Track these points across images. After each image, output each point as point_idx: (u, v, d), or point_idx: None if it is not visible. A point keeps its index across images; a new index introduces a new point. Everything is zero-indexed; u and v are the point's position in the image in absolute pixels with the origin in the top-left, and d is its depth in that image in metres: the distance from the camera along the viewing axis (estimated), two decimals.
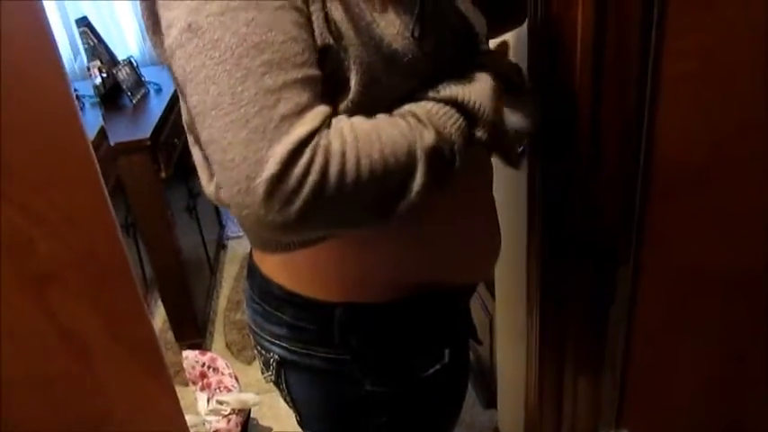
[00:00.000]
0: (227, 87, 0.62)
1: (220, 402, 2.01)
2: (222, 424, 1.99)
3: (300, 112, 0.63)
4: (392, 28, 0.70)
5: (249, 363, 2.47)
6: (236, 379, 2.17)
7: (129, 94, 2.61)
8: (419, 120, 0.71)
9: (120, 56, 2.83)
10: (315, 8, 0.66)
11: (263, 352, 0.96)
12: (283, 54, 0.62)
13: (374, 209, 0.69)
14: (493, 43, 1.00)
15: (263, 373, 1.00)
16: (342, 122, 0.66)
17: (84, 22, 2.72)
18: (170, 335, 2.54)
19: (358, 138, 0.65)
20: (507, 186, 1.21)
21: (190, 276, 2.50)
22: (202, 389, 2.13)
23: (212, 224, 3.18)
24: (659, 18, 0.88)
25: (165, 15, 0.66)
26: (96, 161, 0.65)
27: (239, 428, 2.03)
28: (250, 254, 0.96)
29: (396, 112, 0.73)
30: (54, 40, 0.61)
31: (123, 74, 2.66)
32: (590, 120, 0.95)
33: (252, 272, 0.95)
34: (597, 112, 0.94)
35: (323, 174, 0.62)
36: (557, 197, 1.06)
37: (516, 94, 0.81)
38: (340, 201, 0.64)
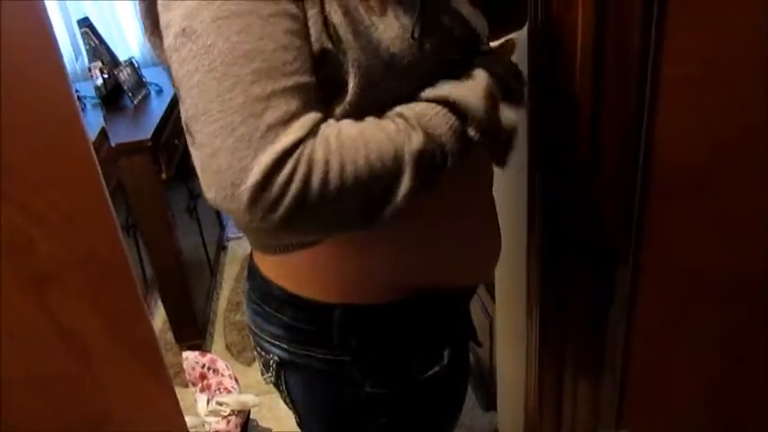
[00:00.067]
0: (216, 94, 0.62)
1: (220, 403, 2.01)
2: (222, 425, 1.99)
3: (288, 121, 0.63)
4: (390, 31, 0.70)
5: (249, 364, 2.47)
6: (236, 380, 2.17)
7: (130, 94, 2.61)
8: (408, 121, 0.71)
9: (122, 57, 2.84)
10: (312, 13, 0.66)
11: (263, 353, 0.96)
12: (273, 63, 0.63)
13: (359, 214, 0.69)
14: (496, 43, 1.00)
15: (262, 375, 1.00)
16: (329, 129, 0.66)
17: (85, 23, 2.72)
18: (170, 336, 2.54)
19: (343, 144, 0.65)
20: (507, 188, 1.21)
21: (190, 277, 2.50)
22: (202, 390, 2.13)
23: (213, 225, 3.18)
24: (659, 20, 0.88)
25: (164, 17, 0.66)
26: (97, 162, 0.65)
27: (239, 430, 2.03)
28: (250, 255, 0.96)
29: (387, 114, 0.72)
30: (55, 39, 0.61)
31: (124, 75, 2.66)
32: (590, 122, 0.95)
33: (252, 273, 0.95)
34: (597, 115, 0.94)
35: (305, 182, 0.63)
36: (557, 199, 1.06)
37: (511, 95, 0.81)
38: (323, 208, 0.65)
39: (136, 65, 2.80)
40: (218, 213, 3.34)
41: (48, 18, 0.61)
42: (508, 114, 0.79)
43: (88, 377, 0.74)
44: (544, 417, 1.31)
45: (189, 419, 0.86)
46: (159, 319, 2.69)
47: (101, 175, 0.65)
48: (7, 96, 0.59)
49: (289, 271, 0.88)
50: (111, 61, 2.72)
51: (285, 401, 1.01)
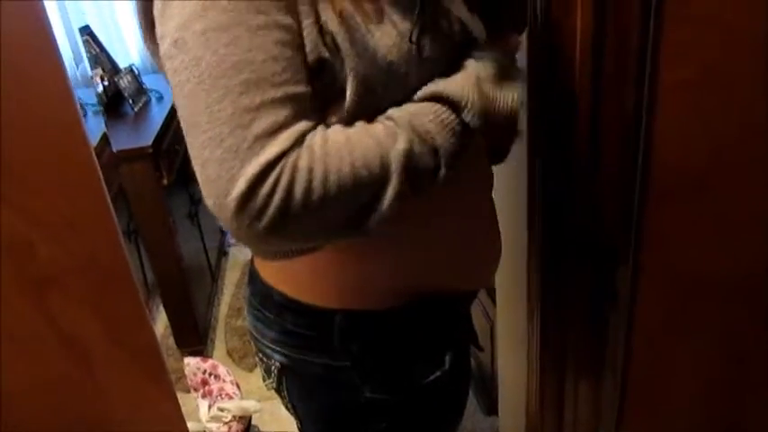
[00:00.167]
0: (206, 106, 0.63)
1: (221, 409, 2.02)
2: (223, 431, 1.99)
3: (275, 131, 0.64)
4: (388, 39, 0.70)
5: (250, 370, 2.47)
6: (238, 386, 2.18)
7: (130, 101, 2.62)
8: (396, 124, 0.70)
9: (122, 64, 2.84)
10: (308, 22, 0.67)
11: (265, 359, 0.96)
12: (262, 74, 0.63)
13: (346, 222, 0.69)
14: None
15: (264, 380, 1.00)
16: (316, 137, 0.66)
17: (86, 31, 2.73)
18: (171, 341, 2.54)
19: (328, 152, 0.65)
20: (507, 191, 1.21)
21: (191, 283, 2.50)
22: (204, 396, 2.13)
23: (214, 231, 3.18)
24: (656, 24, 0.88)
25: (159, 28, 0.67)
26: (98, 167, 0.65)
27: None
28: (251, 261, 0.96)
29: (378, 117, 0.72)
30: (57, 46, 0.62)
31: (125, 82, 2.67)
32: (589, 123, 0.95)
33: (253, 279, 0.95)
34: (596, 116, 0.94)
35: (288, 192, 0.63)
36: (556, 201, 1.06)
37: (507, 75, 0.79)
38: (309, 216, 0.66)
39: (136, 72, 2.80)
40: None
41: (48, 22, 0.61)
42: (506, 95, 0.77)
43: (89, 382, 0.74)
44: (545, 420, 1.31)
45: (191, 425, 0.86)
46: (161, 324, 2.69)
47: (102, 180, 0.65)
48: (8, 99, 0.59)
49: (289, 277, 0.88)
50: (111, 68, 2.72)
51: (286, 407, 1.01)
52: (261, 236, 0.65)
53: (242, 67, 0.63)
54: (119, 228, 0.69)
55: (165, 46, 0.66)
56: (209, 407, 2.06)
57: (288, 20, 0.65)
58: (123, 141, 2.27)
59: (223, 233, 3.39)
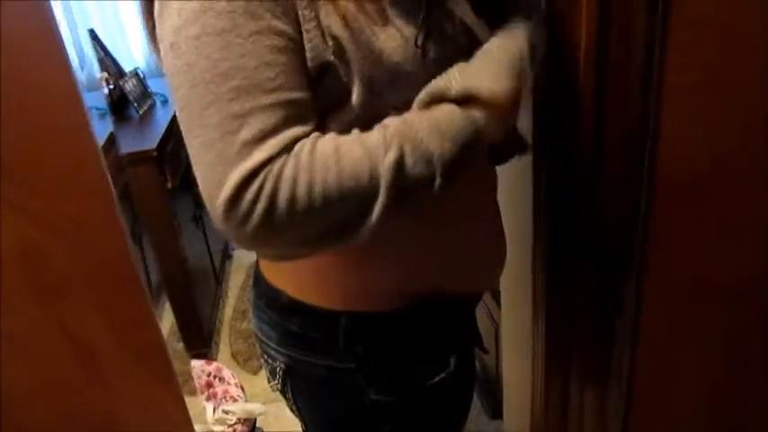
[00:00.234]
0: (197, 110, 0.64)
1: (226, 412, 2.02)
2: None
3: (263, 138, 0.64)
4: (393, 41, 0.70)
5: (255, 372, 2.47)
6: (242, 389, 2.18)
7: (135, 105, 2.63)
8: (390, 133, 0.69)
9: (127, 67, 2.85)
10: (309, 26, 0.67)
11: (270, 360, 0.96)
12: (253, 80, 0.64)
13: (333, 232, 0.69)
14: None
15: (269, 382, 1.00)
16: (305, 145, 0.66)
17: (91, 35, 2.74)
18: (178, 344, 2.55)
19: (314, 162, 0.65)
20: (512, 193, 1.21)
21: (196, 286, 2.51)
22: (208, 399, 2.13)
23: (218, 234, 3.17)
24: (663, 22, 0.88)
25: (158, 31, 0.68)
26: (108, 173, 0.65)
27: None
28: (256, 263, 0.97)
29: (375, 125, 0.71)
30: (66, 53, 0.62)
31: (130, 85, 2.67)
32: (593, 126, 0.95)
33: (258, 280, 0.95)
34: (600, 119, 0.94)
35: (272, 200, 0.64)
36: (562, 205, 1.06)
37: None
38: (294, 225, 0.66)
39: (141, 75, 2.81)
40: None
41: (56, 25, 0.62)
42: (496, 77, 0.73)
43: (97, 384, 0.74)
44: (550, 424, 1.31)
45: (198, 428, 0.87)
46: (165, 326, 2.69)
47: (111, 184, 0.66)
48: (16, 105, 0.60)
49: (294, 278, 0.88)
50: (116, 72, 2.73)
51: (291, 409, 1.01)
52: (249, 240, 0.66)
53: (234, 72, 0.63)
54: (127, 232, 0.69)
55: (162, 50, 0.67)
56: (214, 409, 2.07)
57: (284, 25, 0.65)
58: (128, 145, 2.27)
59: None
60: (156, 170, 2.23)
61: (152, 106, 2.74)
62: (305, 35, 0.67)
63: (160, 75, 3.14)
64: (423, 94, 0.72)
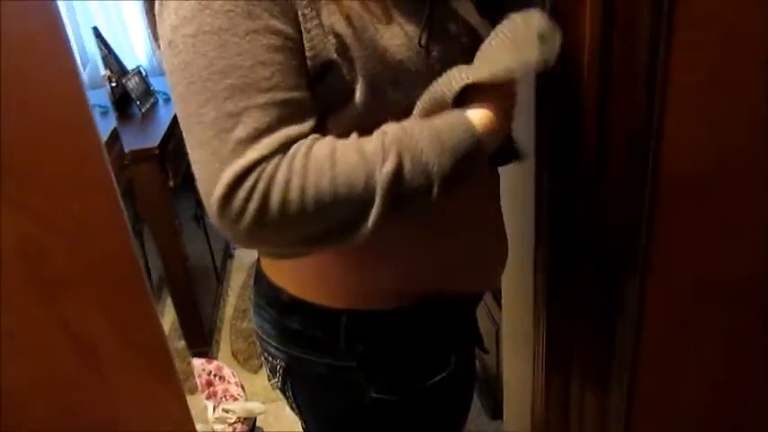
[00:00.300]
0: (194, 108, 0.65)
1: (226, 411, 2.02)
2: None
3: (257, 137, 0.64)
4: (396, 40, 0.70)
5: (255, 371, 2.47)
6: (243, 388, 2.18)
7: (137, 103, 2.63)
8: (389, 140, 0.68)
9: (130, 65, 2.86)
10: (311, 25, 0.67)
11: (270, 359, 0.97)
12: (248, 79, 0.64)
13: (329, 235, 0.69)
14: None
15: (269, 380, 1.00)
16: (300, 148, 0.66)
17: (94, 33, 2.74)
18: (179, 342, 2.55)
19: (308, 166, 0.65)
20: (514, 195, 1.21)
21: (197, 285, 2.51)
22: (208, 397, 2.13)
23: (219, 233, 3.18)
24: (668, 20, 0.87)
25: (158, 28, 0.68)
26: (111, 170, 0.66)
27: None
28: (257, 261, 0.97)
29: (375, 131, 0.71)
30: (71, 50, 0.62)
31: (132, 83, 2.68)
32: (596, 126, 0.95)
33: (259, 278, 0.95)
34: (604, 118, 0.94)
35: (263, 201, 0.64)
36: (564, 205, 1.06)
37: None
38: (286, 226, 0.66)
39: (144, 73, 2.81)
40: None
41: (62, 23, 0.62)
42: (494, 62, 0.73)
43: (98, 382, 0.74)
44: (551, 426, 1.31)
45: (199, 427, 0.87)
46: (166, 325, 2.69)
47: (115, 182, 0.66)
48: (20, 101, 0.60)
49: (295, 277, 0.89)
50: (118, 70, 2.73)
51: (291, 407, 1.01)
52: (244, 237, 0.67)
53: (230, 71, 0.64)
54: (130, 229, 0.69)
55: (162, 47, 0.68)
56: (214, 408, 2.07)
57: (281, 25, 0.65)
58: (130, 143, 2.27)
59: None
60: (158, 168, 2.24)
61: (154, 104, 2.74)
62: (305, 34, 0.67)
63: (163, 73, 3.14)
64: (423, 100, 0.72)
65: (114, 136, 2.27)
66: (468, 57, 0.76)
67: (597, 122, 0.95)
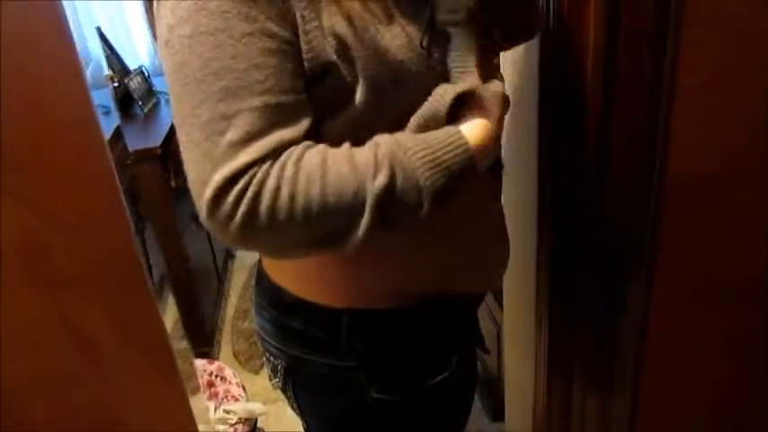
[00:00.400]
0: (189, 109, 0.65)
1: (227, 411, 2.02)
2: None
3: (249, 140, 0.64)
4: (397, 40, 0.70)
5: (256, 372, 2.47)
6: (244, 388, 2.18)
7: (140, 103, 2.63)
8: (382, 153, 0.68)
9: (132, 65, 2.86)
10: (310, 27, 0.67)
11: (271, 358, 0.96)
12: (242, 82, 0.64)
13: (319, 242, 0.69)
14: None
15: (270, 380, 1.00)
16: (292, 155, 0.66)
17: (97, 33, 2.74)
18: (182, 343, 2.54)
19: (298, 174, 0.65)
20: (516, 196, 1.21)
21: (198, 285, 2.51)
22: (210, 398, 2.13)
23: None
24: (676, 26, 0.87)
25: (157, 26, 0.69)
26: (113, 165, 0.66)
27: None
28: (259, 261, 0.97)
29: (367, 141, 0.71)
30: (75, 49, 0.62)
31: (135, 83, 2.68)
32: (598, 127, 0.95)
33: (260, 278, 0.95)
34: (606, 119, 0.94)
35: (253, 206, 0.64)
36: (566, 206, 1.06)
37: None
38: (276, 232, 0.66)
39: (146, 73, 2.82)
40: None
41: (67, 22, 0.62)
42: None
43: (99, 380, 0.74)
44: (552, 426, 1.31)
45: (201, 427, 0.86)
46: (167, 324, 2.69)
47: (117, 178, 0.66)
48: (24, 97, 0.60)
49: (296, 276, 0.89)
50: (121, 70, 2.74)
51: (292, 407, 1.01)
52: (234, 239, 0.67)
53: (224, 73, 0.64)
54: (132, 226, 0.69)
55: (159, 47, 0.68)
56: (215, 409, 2.07)
57: (278, 28, 0.65)
58: (132, 142, 2.28)
59: None
60: (160, 168, 2.24)
61: (156, 104, 2.74)
62: (304, 36, 0.67)
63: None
64: (417, 116, 0.73)
65: (117, 134, 2.27)
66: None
67: (600, 123, 0.95)
